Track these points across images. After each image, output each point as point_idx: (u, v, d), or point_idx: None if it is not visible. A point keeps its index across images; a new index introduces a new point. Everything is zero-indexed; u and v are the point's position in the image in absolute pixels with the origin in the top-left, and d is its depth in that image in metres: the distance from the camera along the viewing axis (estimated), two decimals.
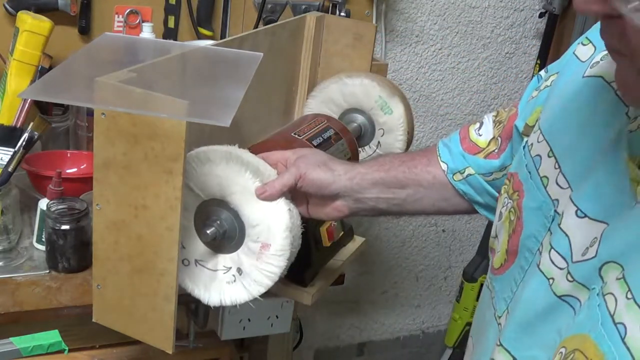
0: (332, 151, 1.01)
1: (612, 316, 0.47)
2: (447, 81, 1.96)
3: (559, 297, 0.55)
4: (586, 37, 0.67)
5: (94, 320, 0.84)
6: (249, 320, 1.15)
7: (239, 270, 0.84)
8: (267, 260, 0.82)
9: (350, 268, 1.79)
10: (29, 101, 1.23)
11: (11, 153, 1.13)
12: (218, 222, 0.83)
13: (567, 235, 0.56)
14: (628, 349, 0.45)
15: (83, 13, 1.40)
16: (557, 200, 0.59)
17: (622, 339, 0.45)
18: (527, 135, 0.71)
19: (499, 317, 0.65)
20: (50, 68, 1.25)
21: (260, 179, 0.80)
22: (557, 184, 0.60)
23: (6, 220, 1.09)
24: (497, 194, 0.80)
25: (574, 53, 0.68)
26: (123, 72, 0.72)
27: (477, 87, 2.00)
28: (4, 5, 1.34)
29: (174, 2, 1.47)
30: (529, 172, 0.65)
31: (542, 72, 0.79)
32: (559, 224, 0.57)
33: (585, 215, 0.54)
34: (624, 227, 0.50)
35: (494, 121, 0.86)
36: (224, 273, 0.85)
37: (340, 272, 1.10)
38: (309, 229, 0.96)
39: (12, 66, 1.22)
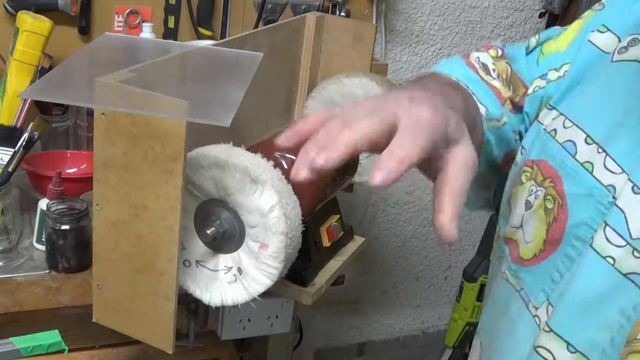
0: None
1: None
2: None
3: (625, 275, 0.53)
4: (603, 25, 0.65)
5: (94, 320, 0.84)
6: (249, 320, 1.15)
7: (240, 270, 0.84)
8: (265, 260, 0.82)
9: (350, 268, 1.79)
10: (29, 101, 1.23)
11: (11, 153, 1.13)
12: (218, 222, 0.83)
13: (623, 211, 0.54)
14: None
15: (83, 13, 1.40)
16: (613, 186, 0.56)
17: None
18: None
19: (537, 309, 0.62)
20: (50, 68, 1.25)
21: (252, 178, 0.80)
22: (607, 169, 0.57)
23: (6, 220, 1.09)
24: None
25: (589, 40, 0.65)
26: (123, 72, 0.72)
27: None
28: (4, 5, 1.34)
29: (174, 2, 1.47)
30: (562, 159, 0.61)
31: (535, 40, 0.76)
32: (622, 209, 0.55)
33: None
34: None
35: (498, 75, 0.76)
36: (225, 273, 0.85)
37: (340, 272, 1.09)
38: (309, 229, 0.96)
39: (12, 66, 1.22)
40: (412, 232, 2.13)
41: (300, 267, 0.95)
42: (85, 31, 1.42)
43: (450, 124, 0.53)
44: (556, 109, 0.65)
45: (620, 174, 0.56)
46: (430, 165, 0.57)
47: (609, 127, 0.59)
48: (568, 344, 0.57)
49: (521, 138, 0.74)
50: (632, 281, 0.53)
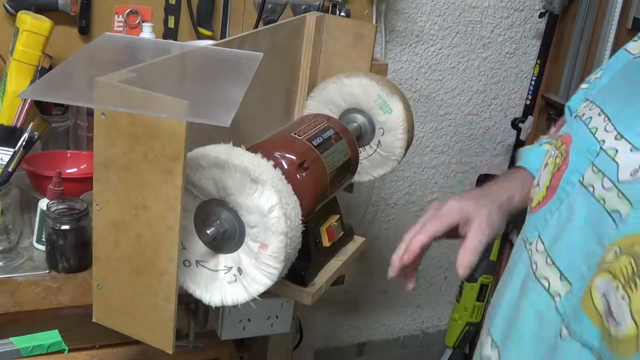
0: (332, 151, 1.01)
1: None
2: (447, 81, 1.96)
3: (609, 212, 0.64)
4: (638, 36, 0.79)
5: (94, 320, 0.84)
6: (249, 320, 1.15)
7: (240, 270, 0.84)
8: (265, 260, 0.82)
9: (350, 268, 1.79)
10: (29, 101, 1.23)
11: (11, 153, 1.13)
12: (218, 222, 0.83)
13: (617, 163, 0.66)
14: None
15: (83, 13, 1.40)
16: (604, 140, 0.69)
17: None
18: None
19: (530, 244, 0.76)
20: (50, 68, 1.25)
21: (252, 178, 0.80)
22: (605, 130, 0.70)
23: (6, 220, 1.09)
24: None
25: (625, 49, 0.80)
26: (123, 72, 0.72)
27: (477, 87, 2.00)
28: (4, 5, 1.34)
29: (174, 2, 1.47)
30: (579, 128, 0.75)
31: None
32: (613, 157, 0.66)
33: (638, 149, 0.64)
34: None
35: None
36: (225, 273, 0.85)
37: (340, 272, 1.09)
38: (309, 229, 0.96)
39: (12, 66, 1.22)
40: None
41: (300, 267, 0.95)
42: (85, 31, 1.42)
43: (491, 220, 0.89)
44: (589, 100, 0.78)
45: (611, 131, 0.69)
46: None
47: (617, 104, 0.72)
48: (561, 273, 0.69)
49: None
50: (611, 216, 0.63)
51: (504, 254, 2.07)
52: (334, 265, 1.08)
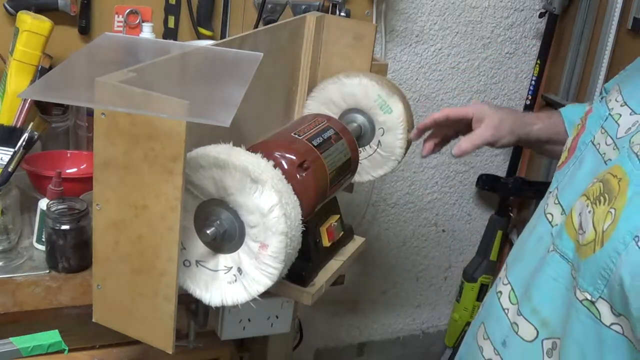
0: (332, 151, 1.01)
1: (636, 154, 0.72)
2: (447, 81, 1.96)
3: (605, 161, 0.79)
4: None
5: (94, 320, 0.84)
6: (249, 320, 1.15)
7: (240, 270, 0.84)
8: (265, 260, 0.82)
9: (350, 268, 1.80)
10: (29, 101, 1.23)
11: (11, 153, 1.13)
12: (218, 222, 0.83)
13: (618, 124, 0.81)
14: None
15: (83, 13, 1.40)
16: (612, 108, 0.84)
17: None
18: None
19: (550, 193, 0.90)
20: (50, 68, 1.25)
21: (252, 178, 0.80)
22: (615, 100, 0.85)
23: (6, 220, 1.09)
24: None
25: None
26: (123, 72, 0.72)
27: (477, 87, 2.00)
28: (4, 5, 1.34)
29: (174, 2, 1.47)
30: (599, 102, 0.90)
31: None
32: (617, 121, 0.81)
33: (635, 113, 0.80)
34: None
35: None
36: (225, 273, 0.85)
37: (340, 272, 1.09)
38: (309, 229, 0.96)
39: (12, 66, 1.22)
40: (412, 232, 2.13)
41: (300, 267, 0.95)
42: (85, 31, 1.42)
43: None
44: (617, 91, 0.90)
45: (620, 103, 0.83)
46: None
47: (631, 87, 0.85)
48: (562, 209, 0.84)
49: None
50: (605, 163, 0.79)
51: (503, 254, 2.06)
52: (333, 265, 1.08)
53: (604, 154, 0.80)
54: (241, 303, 0.84)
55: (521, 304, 0.85)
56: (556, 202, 0.86)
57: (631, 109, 0.80)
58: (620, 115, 0.81)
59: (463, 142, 1.02)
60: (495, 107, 1.07)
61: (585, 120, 0.89)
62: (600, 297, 0.70)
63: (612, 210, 0.69)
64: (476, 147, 1.03)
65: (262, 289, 0.83)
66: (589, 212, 0.73)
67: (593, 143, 0.84)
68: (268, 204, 0.80)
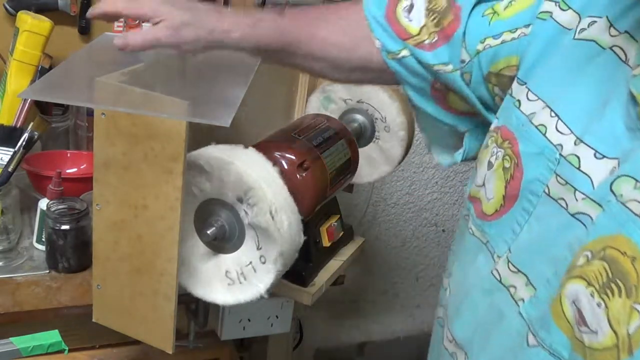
0: (332, 151, 1.01)
1: (636, 214, 0.54)
2: None
3: (572, 215, 0.61)
4: (563, 2, 0.69)
5: (94, 320, 0.84)
6: (249, 320, 1.15)
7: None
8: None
9: (350, 268, 1.80)
10: (29, 101, 1.23)
11: (11, 153, 1.13)
12: (218, 222, 0.83)
13: (589, 176, 0.61)
14: None
15: (83, 13, 1.40)
16: (561, 145, 0.64)
17: None
18: (491, 83, 0.76)
19: (500, 257, 0.70)
20: (50, 68, 1.25)
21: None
22: (558, 130, 0.65)
23: (6, 220, 1.09)
24: (430, 78, 0.81)
25: (552, 17, 0.69)
26: (123, 72, 0.72)
27: None
28: (4, 5, 1.34)
29: None
30: (521, 124, 0.69)
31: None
32: (578, 167, 0.62)
33: (604, 156, 0.60)
34: (637, 153, 0.57)
35: (426, 8, 0.82)
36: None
37: (340, 272, 1.10)
38: (309, 229, 0.96)
39: (12, 66, 1.22)
40: (412, 232, 2.13)
41: (300, 267, 0.95)
42: (85, 31, 1.42)
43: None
44: (524, 84, 0.71)
45: (568, 134, 0.64)
46: None
47: (565, 97, 0.66)
48: (527, 277, 0.66)
49: (459, 69, 0.79)
50: (579, 220, 0.60)
51: None
52: (334, 265, 1.08)
53: (576, 213, 0.62)
54: (241, 303, 0.84)
55: None
56: (514, 269, 0.68)
57: (594, 149, 0.61)
58: (579, 159, 0.62)
59: (131, 35, 0.74)
60: (190, 6, 0.78)
61: (518, 158, 0.69)
62: None
63: (639, 307, 0.53)
64: (149, 45, 0.73)
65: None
66: (598, 305, 0.55)
67: (550, 196, 0.64)
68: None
